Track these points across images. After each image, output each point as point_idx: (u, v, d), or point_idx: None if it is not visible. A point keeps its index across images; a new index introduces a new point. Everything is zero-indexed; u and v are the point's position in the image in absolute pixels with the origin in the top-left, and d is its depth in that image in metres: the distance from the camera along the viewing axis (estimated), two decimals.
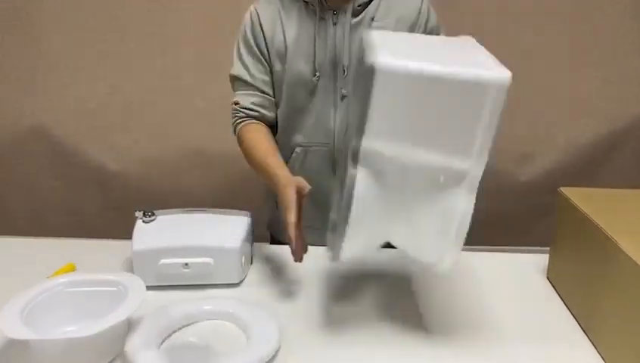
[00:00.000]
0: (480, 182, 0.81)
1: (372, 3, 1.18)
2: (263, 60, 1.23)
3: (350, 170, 0.82)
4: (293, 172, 1.23)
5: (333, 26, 1.18)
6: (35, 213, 2.11)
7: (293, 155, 1.26)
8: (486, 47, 2.14)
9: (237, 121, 1.25)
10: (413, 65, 0.76)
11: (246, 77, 1.23)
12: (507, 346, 0.91)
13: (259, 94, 1.24)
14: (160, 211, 1.17)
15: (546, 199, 1.91)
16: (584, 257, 0.98)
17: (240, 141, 1.24)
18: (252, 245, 1.20)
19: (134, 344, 0.83)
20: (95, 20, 1.96)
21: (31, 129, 2.01)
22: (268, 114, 1.25)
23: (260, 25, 1.21)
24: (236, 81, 1.25)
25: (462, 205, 0.79)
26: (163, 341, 0.89)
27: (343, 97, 1.20)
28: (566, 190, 1.09)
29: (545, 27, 1.97)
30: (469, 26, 1.93)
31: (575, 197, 1.05)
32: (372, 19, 1.18)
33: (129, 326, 0.88)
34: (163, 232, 1.10)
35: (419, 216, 0.83)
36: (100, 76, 2.01)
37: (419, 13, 1.20)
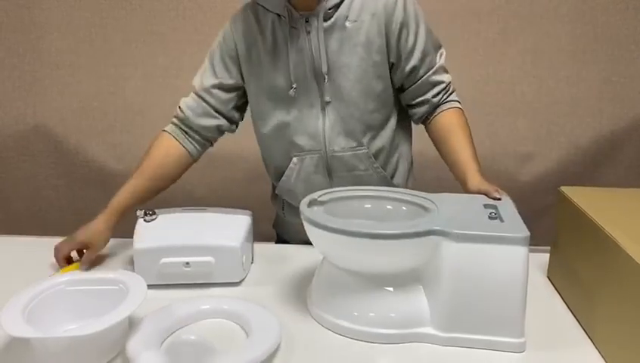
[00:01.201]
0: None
1: (344, 3, 1.16)
2: (224, 70, 1.24)
3: None
4: (291, 181, 1.27)
5: (307, 34, 1.16)
6: (37, 212, 2.11)
7: (291, 165, 1.26)
8: (487, 47, 2.15)
9: (171, 120, 1.30)
10: None
11: (196, 85, 1.26)
12: None
13: (197, 99, 1.26)
14: (161, 210, 1.17)
15: (547, 198, 1.92)
16: (584, 256, 0.98)
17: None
18: (252, 244, 1.21)
19: (135, 342, 0.83)
20: (97, 19, 1.97)
21: (33, 128, 2.02)
22: (194, 120, 1.26)
23: (234, 42, 1.21)
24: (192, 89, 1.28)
25: None
26: (164, 340, 0.89)
27: (326, 103, 1.19)
28: (566, 190, 1.09)
29: (546, 27, 1.97)
30: (471, 26, 1.94)
31: (575, 197, 1.05)
32: (346, 18, 1.15)
33: (130, 324, 0.88)
34: (164, 231, 1.10)
35: None
36: (103, 75, 2.01)
37: (395, 5, 1.16)
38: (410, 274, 0.94)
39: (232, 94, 1.25)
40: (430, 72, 1.22)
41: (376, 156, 1.26)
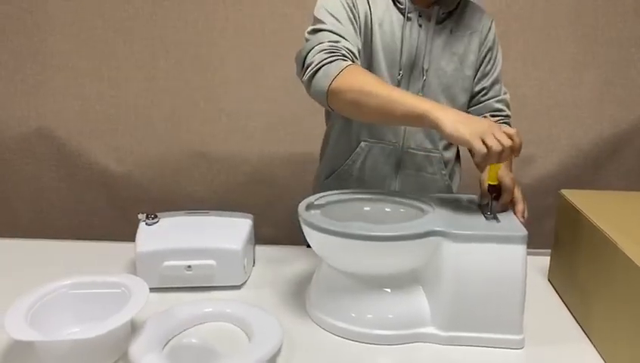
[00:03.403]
0: None
1: (454, 13, 1.20)
2: (357, 28, 1.14)
3: None
4: (356, 166, 1.28)
5: (418, 27, 1.18)
6: (39, 214, 2.12)
7: (357, 149, 1.26)
8: None
9: (337, 58, 1.04)
10: None
11: (343, 33, 1.10)
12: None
13: (355, 48, 1.11)
14: (163, 213, 1.17)
15: (548, 201, 1.92)
16: (585, 259, 0.98)
17: (341, 77, 1.02)
18: (254, 247, 1.21)
19: (137, 346, 0.84)
20: (100, 22, 1.97)
21: (36, 131, 2.02)
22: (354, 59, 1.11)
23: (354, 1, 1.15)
24: (323, 32, 1.10)
25: None
26: (166, 343, 0.90)
27: None
28: (567, 192, 1.10)
29: (547, 30, 1.98)
30: None
31: (576, 199, 1.05)
32: (452, 27, 1.20)
33: (133, 328, 0.88)
34: (165, 234, 1.11)
35: None
36: (105, 78, 2.02)
37: (489, 31, 1.25)
38: (409, 275, 0.94)
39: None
40: (495, 100, 1.28)
41: (445, 164, 1.29)
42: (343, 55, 1.06)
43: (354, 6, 1.15)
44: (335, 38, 1.08)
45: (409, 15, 1.17)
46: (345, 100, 1.03)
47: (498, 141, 0.87)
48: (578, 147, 2.02)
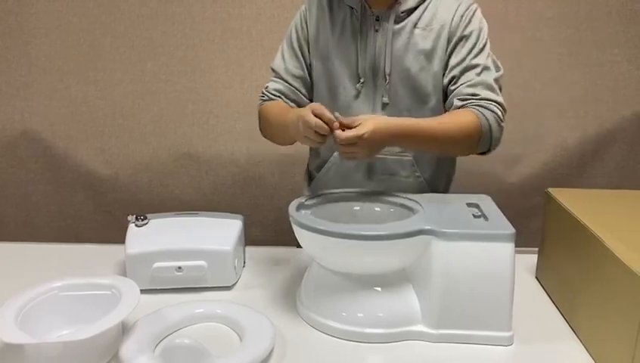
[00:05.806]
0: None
1: (417, 10, 1.17)
2: (301, 56, 1.26)
3: None
4: (328, 177, 1.29)
5: (374, 32, 1.18)
6: (26, 217, 2.10)
7: (331, 158, 1.27)
8: None
9: (260, 103, 1.30)
10: None
11: (281, 70, 1.28)
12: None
13: (285, 84, 1.27)
14: (153, 214, 1.17)
15: (535, 200, 1.94)
16: (572, 256, 0.99)
17: (259, 117, 1.29)
18: (244, 248, 1.21)
19: (128, 347, 0.84)
20: (85, 24, 1.96)
21: (21, 133, 2.00)
22: (289, 102, 1.27)
23: (306, 24, 1.24)
24: (273, 72, 1.31)
25: None
26: (157, 344, 0.89)
27: (384, 105, 1.20)
28: (554, 191, 1.11)
29: (532, 30, 1.99)
30: None
31: (562, 198, 1.07)
32: (415, 25, 1.17)
33: (123, 329, 0.88)
34: (155, 236, 1.10)
35: None
36: (91, 80, 2.00)
37: (461, 19, 1.16)
38: (399, 274, 0.95)
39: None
40: (465, 85, 1.14)
41: (419, 165, 1.24)
42: (269, 98, 1.27)
43: (302, 28, 1.25)
44: (271, 81, 1.29)
45: (364, 22, 1.18)
46: (265, 136, 1.30)
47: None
48: (563, 146, 2.04)
